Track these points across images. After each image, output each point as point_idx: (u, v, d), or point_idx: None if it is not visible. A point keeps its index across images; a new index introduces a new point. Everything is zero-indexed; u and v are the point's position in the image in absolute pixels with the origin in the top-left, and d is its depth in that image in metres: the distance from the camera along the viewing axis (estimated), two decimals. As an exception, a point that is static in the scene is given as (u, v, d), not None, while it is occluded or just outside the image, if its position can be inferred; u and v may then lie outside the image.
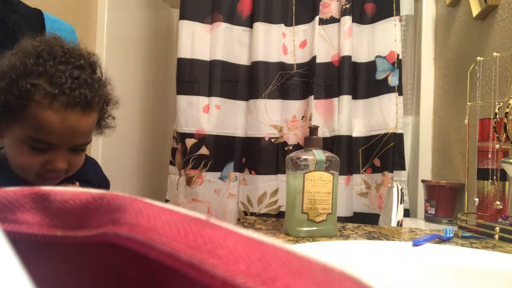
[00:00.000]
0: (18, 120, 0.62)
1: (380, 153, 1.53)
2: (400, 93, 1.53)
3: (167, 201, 1.55)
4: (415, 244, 0.63)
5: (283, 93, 1.58)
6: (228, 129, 1.57)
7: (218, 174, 1.56)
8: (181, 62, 1.54)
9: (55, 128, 0.61)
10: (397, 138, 1.51)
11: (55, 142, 0.63)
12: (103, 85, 0.70)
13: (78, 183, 0.75)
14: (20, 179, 0.66)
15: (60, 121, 0.62)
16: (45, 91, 0.60)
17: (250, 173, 1.55)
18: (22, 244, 0.14)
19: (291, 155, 0.74)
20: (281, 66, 1.58)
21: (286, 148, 1.56)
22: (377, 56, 1.56)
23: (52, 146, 0.63)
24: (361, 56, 1.59)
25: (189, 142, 1.54)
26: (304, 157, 0.73)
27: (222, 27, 1.56)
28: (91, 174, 0.81)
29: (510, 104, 0.72)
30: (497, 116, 0.77)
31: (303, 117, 1.57)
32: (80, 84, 0.62)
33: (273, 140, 1.56)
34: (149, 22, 1.92)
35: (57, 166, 0.64)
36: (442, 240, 0.72)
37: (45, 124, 0.61)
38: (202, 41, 1.56)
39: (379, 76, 1.56)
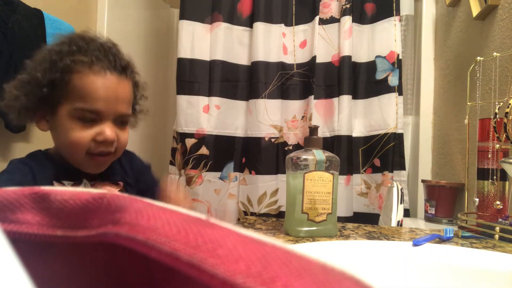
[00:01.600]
0: (64, 97, 0.65)
1: (380, 153, 1.53)
2: (400, 93, 1.53)
3: (167, 201, 1.55)
4: (415, 244, 0.63)
5: (283, 93, 1.58)
6: (228, 129, 1.57)
7: (218, 174, 1.56)
8: (181, 62, 1.54)
9: (98, 92, 0.66)
10: (397, 138, 1.51)
11: (101, 108, 0.66)
12: (131, 63, 0.76)
13: (122, 184, 0.77)
14: (68, 167, 0.70)
15: (102, 84, 0.66)
16: (83, 62, 0.66)
17: (250, 173, 1.55)
18: (22, 244, 0.14)
19: (291, 155, 0.74)
20: (281, 66, 1.58)
21: (286, 148, 1.56)
22: (377, 56, 1.56)
23: (99, 116, 0.67)
24: (361, 56, 1.59)
25: (189, 142, 1.54)
26: (304, 157, 0.73)
27: (222, 27, 1.56)
28: (127, 167, 0.84)
29: (510, 104, 0.72)
30: (497, 116, 0.77)
31: (303, 117, 1.57)
32: (112, 54, 0.70)
33: (273, 140, 1.56)
34: (149, 22, 1.92)
35: (107, 135, 0.67)
36: (442, 240, 0.72)
37: (89, 89, 0.65)
38: (202, 41, 1.56)
39: (379, 76, 1.56)
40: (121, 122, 0.72)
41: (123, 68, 0.71)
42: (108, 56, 0.69)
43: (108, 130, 0.68)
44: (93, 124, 0.67)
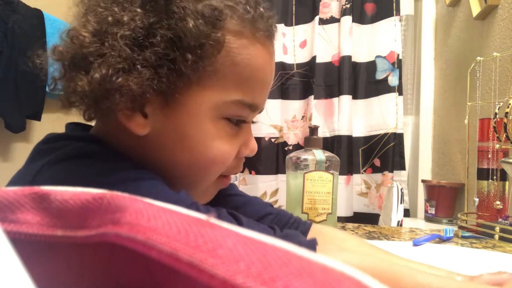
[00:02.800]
0: (207, 79, 0.37)
1: (380, 153, 1.53)
2: (400, 93, 1.53)
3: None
4: (415, 244, 0.63)
5: (283, 93, 1.58)
6: (228, 129, 1.57)
7: (218, 174, 1.56)
8: (181, 62, 1.54)
9: (265, 74, 0.41)
10: (397, 138, 1.51)
11: (260, 103, 0.42)
12: None
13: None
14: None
15: (270, 62, 0.41)
16: (238, 14, 0.37)
17: (250, 173, 1.55)
18: (22, 244, 0.14)
19: (291, 155, 0.74)
20: (281, 66, 1.58)
21: (286, 148, 1.56)
22: (377, 56, 1.56)
23: (246, 119, 0.42)
24: (361, 56, 1.59)
25: (189, 142, 1.53)
26: (304, 157, 0.73)
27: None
28: None
29: (510, 104, 0.72)
30: (497, 116, 0.77)
31: (303, 117, 1.57)
32: (262, 11, 0.40)
33: (273, 140, 1.56)
34: (149, 22, 1.91)
35: (255, 148, 0.44)
36: (442, 240, 0.72)
37: (258, 70, 0.39)
38: (202, 41, 1.56)
39: (379, 76, 1.56)
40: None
41: (275, 36, 0.43)
42: (263, 18, 0.39)
43: (253, 139, 0.44)
44: (240, 129, 0.42)
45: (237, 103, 0.38)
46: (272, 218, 0.51)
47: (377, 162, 1.54)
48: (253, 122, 0.46)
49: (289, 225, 0.50)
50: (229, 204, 0.52)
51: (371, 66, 1.57)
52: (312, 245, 0.40)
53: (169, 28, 0.34)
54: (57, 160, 0.35)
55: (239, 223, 0.39)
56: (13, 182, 0.39)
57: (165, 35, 0.34)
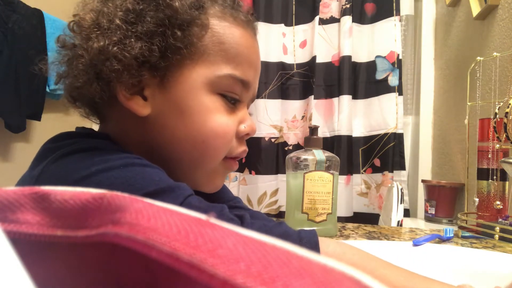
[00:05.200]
0: (198, 56, 0.40)
1: (380, 153, 1.53)
2: (400, 93, 1.53)
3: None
4: (415, 244, 0.63)
5: (283, 93, 1.58)
6: (228, 129, 1.57)
7: (218, 174, 1.56)
8: (181, 62, 1.54)
9: (250, 53, 0.44)
10: (397, 138, 1.51)
11: (251, 81, 0.44)
12: None
13: None
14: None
15: (252, 43, 0.44)
16: (224, 5, 0.43)
17: (250, 173, 1.55)
18: (22, 244, 0.14)
19: (291, 155, 0.74)
20: (281, 66, 1.58)
21: (286, 148, 1.56)
22: (377, 56, 1.56)
23: (241, 98, 0.44)
24: (361, 56, 1.59)
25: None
26: (304, 157, 0.73)
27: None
28: None
29: (510, 104, 0.72)
30: (497, 116, 0.77)
31: (303, 117, 1.57)
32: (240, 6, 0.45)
33: (273, 140, 1.56)
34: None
35: (253, 126, 0.46)
36: (442, 240, 0.72)
37: (240, 47, 0.42)
38: (202, 41, 1.56)
39: (379, 76, 1.56)
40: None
41: (256, 29, 0.47)
42: (240, 7, 0.45)
43: (250, 118, 0.46)
44: (234, 106, 0.43)
45: (229, 77, 0.41)
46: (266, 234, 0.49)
47: (377, 162, 1.54)
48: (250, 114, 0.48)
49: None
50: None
51: (371, 66, 1.57)
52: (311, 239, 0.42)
53: (157, 9, 0.38)
54: (63, 155, 0.36)
55: (242, 221, 0.39)
56: (21, 182, 0.39)
57: (155, 14, 0.38)
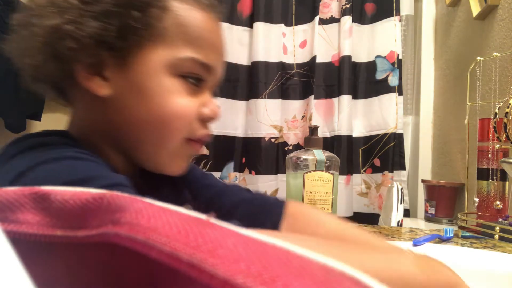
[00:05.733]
0: (157, 35, 0.40)
1: (380, 153, 1.53)
2: (400, 93, 1.53)
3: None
4: (415, 244, 0.63)
5: (283, 93, 1.58)
6: (228, 129, 1.57)
7: (218, 174, 1.56)
8: (181, 62, 1.54)
9: (214, 38, 0.44)
10: (397, 138, 1.51)
11: (213, 65, 0.44)
12: None
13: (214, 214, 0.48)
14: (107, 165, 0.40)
15: (216, 27, 0.45)
16: None
17: (250, 173, 1.55)
18: (22, 244, 0.14)
19: (291, 155, 0.74)
20: (281, 66, 1.58)
21: (286, 148, 1.56)
22: (377, 56, 1.56)
23: (203, 79, 0.44)
24: (361, 56, 1.59)
25: (189, 142, 1.53)
26: (304, 157, 0.73)
27: (222, 26, 1.56)
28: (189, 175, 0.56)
29: (510, 104, 0.72)
30: (497, 116, 0.77)
31: (303, 117, 1.57)
32: None
33: (273, 140, 1.56)
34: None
35: (216, 109, 0.46)
36: (442, 240, 0.72)
37: (203, 30, 0.42)
38: (202, 41, 1.56)
39: (379, 76, 1.56)
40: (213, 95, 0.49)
41: (221, 16, 0.47)
42: None
43: (214, 102, 0.46)
44: (197, 89, 0.43)
45: (190, 59, 0.41)
46: (246, 205, 0.51)
47: (377, 162, 1.54)
48: (216, 97, 0.48)
49: (264, 211, 0.49)
50: (205, 195, 0.53)
51: (371, 66, 1.57)
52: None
53: None
54: (12, 155, 0.37)
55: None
56: None
57: None
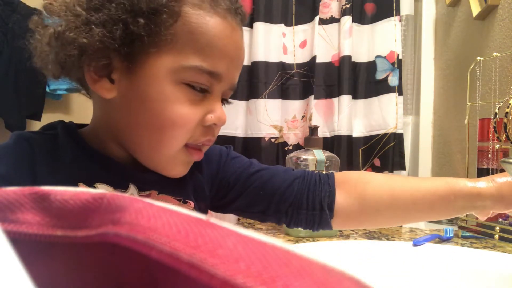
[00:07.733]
0: (165, 41, 0.39)
1: (380, 153, 1.53)
2: (400, 93, 1.53)
3: (167, 201, 1.54)
4: (415, 244, 0.63)
5: (283, 93, 1.58)
6: (228, 129, 1.57)
7: (218, 174, 1.56)
8: (181, 62, 1.54)
9: (227, 46, 0.43)
10: (397, 138, 1.51)
11: (223, 73, 0.43)
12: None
13: (192, 203, 0.51)
14: (110, 164, 0.44)
15: (230, 33, 0.43)
16: None
17: (250, 173, 1.55)
18: (22, 244, 0.14)
19: (291, 155, 0.74)
20: (281, 66, 1.58)
21: (286, 148, 1.56)
22: (377, 56, 1.56)
23: (212, 87, 0.43)
24: (361, 56, 1.59)
25: (189, 142, 1.53)
26: (304, 157, 0.73)
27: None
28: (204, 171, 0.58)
29: (510, 104, 0.72)
30: (497, 116, 0.77)
31: (303, 117, 1.57)
32: None
33: (273, 140, 1.56)
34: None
35: (223, 117, 0.45)
36: (442, 240, 0.72)
37: (214, 38, 0.41)
38: (202, 41, 1.55)
39: (379, 76, 1.56)
40: (225, 101, 0.49)
41: (243, 18, 0.46)
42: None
43: (220, 108, 0.45)
44: (203, 97, 0.43)
45: (195, 68, 0.41)
46: (300, 182, 0.53)
47: (377, 162, 1.54)
48: (228, 102, 0.49)
49: (317, 185, 0.52)
50: (254, 184, 0.53)
51: (371, 66, 1.57)
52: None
53: None
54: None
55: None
56: None
57: (119, 1, 0.38)
